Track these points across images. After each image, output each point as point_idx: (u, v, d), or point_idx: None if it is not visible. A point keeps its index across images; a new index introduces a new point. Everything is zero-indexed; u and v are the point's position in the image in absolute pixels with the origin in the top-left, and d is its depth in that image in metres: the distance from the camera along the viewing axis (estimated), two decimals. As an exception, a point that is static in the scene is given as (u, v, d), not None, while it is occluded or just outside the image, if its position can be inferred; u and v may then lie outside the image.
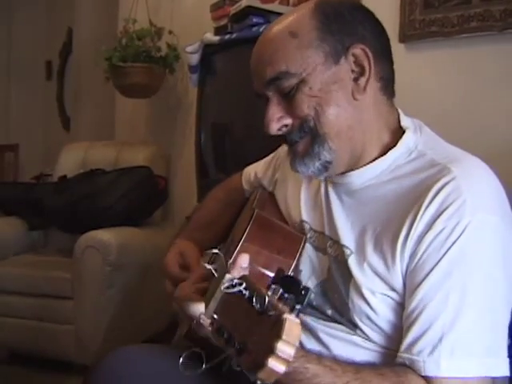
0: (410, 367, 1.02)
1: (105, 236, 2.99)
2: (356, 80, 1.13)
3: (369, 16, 1.19)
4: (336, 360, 1.03)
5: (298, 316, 0.79)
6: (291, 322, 0.71)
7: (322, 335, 1.16)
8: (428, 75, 2.25)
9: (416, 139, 1.17)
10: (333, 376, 0.96)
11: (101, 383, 1.19)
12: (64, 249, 3.43)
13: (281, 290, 0.83)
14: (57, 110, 6.13)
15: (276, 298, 0.80)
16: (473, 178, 1.07)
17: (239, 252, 1.12)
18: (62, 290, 3.04)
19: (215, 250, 0.90)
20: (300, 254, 1.20)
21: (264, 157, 1.57)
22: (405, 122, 1.20)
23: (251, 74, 1.20)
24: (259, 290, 0.78)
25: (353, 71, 1.13)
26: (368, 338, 1.12)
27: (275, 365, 0.70)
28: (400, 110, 1.23)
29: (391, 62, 1.20)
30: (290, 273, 1.15)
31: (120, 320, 3.02)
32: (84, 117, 4.81)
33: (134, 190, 3.34)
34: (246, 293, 0.78)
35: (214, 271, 0.85)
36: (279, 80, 1.12)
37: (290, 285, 0.84)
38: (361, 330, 1.12)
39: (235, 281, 0.80)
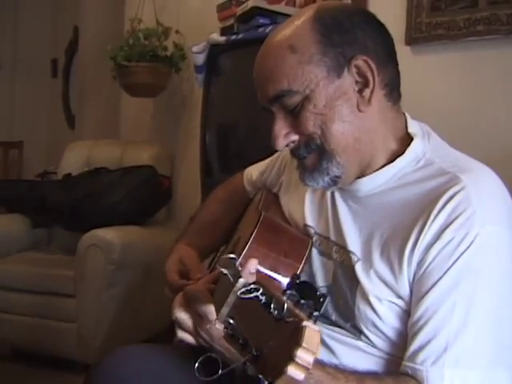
0: (412, 376, 1.02)
1: (108, 235, 2.99)
2: (360, 92, 1.11)
3: (369, 20, 1.16)
4: (339, 368, 1.03)
5: (315, 323, 0.78)
6: (311, 329, 0.70)
7: (326, 339, 1.15)
8: (434, 78, 2.25)
9: (424, 146, 1.15)
10: None
11: (102, 382, 1.19)
12: (67, 247, 3.43)
13: (297, 296, 0.82)
14: (62, 108, 6.13)
15: (293, 303, 0.79)
16: (482, 189, 1.06)
17: (246, 254, 1.12)
18: (64, 287, 3.05)
19: (232, 256, 0.89)
20: (307, 258, 1.19)
21: (268, 157, 1.56)
22: (412, 128, 1.18)
23: (255, 85, 1.18)
24: (277, 296, 0.77)
25: (357, 82, 1.11)
26: (372, 344, 1.11)
27: (294, 372, 0.69)
28: (407, 115, 1.21)
29: (396, 64, 1.18)
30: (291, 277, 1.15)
31: (122, 319, 3.02)
32: (89, 115, 4.81)
33: (138, 189, 3.34)
34: (263, 298, 0.77)
35: (230, 276, 0.84)
36: (282, 97, 1.11)
37: (307, 291, 0.83)
38: (366, 336, 1.11)
39: (251, 286, 0.79)
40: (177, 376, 1.20)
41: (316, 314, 0.82)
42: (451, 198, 1.04)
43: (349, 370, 1.04)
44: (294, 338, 0.70)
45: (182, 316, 1.11)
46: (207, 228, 1.54)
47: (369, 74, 1.10)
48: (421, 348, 1.02)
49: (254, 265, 0.96)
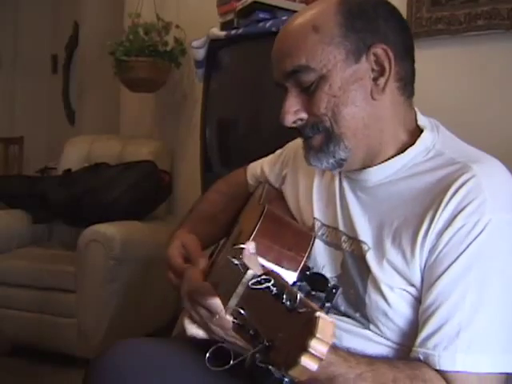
0: (424, 362, 1.02)
1: (108, 230, 2.99)
2: (375, 80, 1.13)
3: (393, 13, 1.17)
4: (350, 351, 1.04)
5: (327, 314, 0.78)
6: (325, 320, 0.70)
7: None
8: (434, 73, 2.25)
9: (434, 138, 1.17)
10: (347, 366, 0.97)
11: (102, 376, 1.19)
12: (68, 242, 3.44)
13: (308, 288, 0.81)
14: (62, 103, 6.13)
15: (304, 295, 0.78)
16: (493, 177, 1.08)
17: None
18: (65, 283, 3.05)
19: (243, 245, 0.88)
20: (310, 251, 1.19)
21: (269, 152, 1.57)
22: (422, 121, 1.20)
23: (272, 63, 1.19)
24: (289, 286, 0.76)
25: (373, 70, 1.13)
26: (381, 334, 1.12)
27: (308, 363, 0.69)
28: (417, 109, 1.22)
29: (413, 61, 1.19)
30: (300, 270, 1.14)
31: (122, 314, 3.03)
32: (89, 111, 4.81)
33: (138, 184, 3.34)
34: (274, 289, 0.76)
35: (241, 267, 0.83)
36: (298, 73, 1.12)
37: (319, 283, 0.83)
38: (375, 325, 1.12)
39: (263, 277, 0.78)
40: (177, 369, 1.20)
41: (328, 305, 0.81)
42: (462, 185, 1.05)
43: (360, 354, 1.05)
44: (308, 328, 0.70)
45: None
46: (207, 218, 1.54)
47: (386, 64, 1.12)
48: (433, 333, 1.02)
49: (251, 245, 0.95)
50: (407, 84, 1.17)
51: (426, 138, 1.16)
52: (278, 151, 1.53)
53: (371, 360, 1.02)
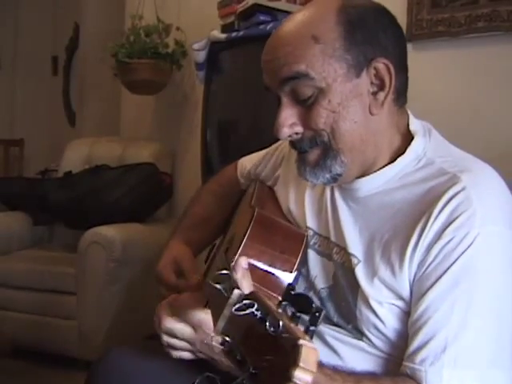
0: (411, 377, 1.01)
1: (109, 232, 2.99)
2: (374, 94, 1.09)
3: (392, 22, 1.14)
4: (337, 369, 1.02)
5: (312, 338, 0.77)
6: (308, 348, 0.68)
7: (329, 339, 1.15)
8: (435, 75, 2.25)
9: (425, 145, 1.14)
10: None
11: (103, 380, 1.19)
12: (68, 244, 3.44)
13: (292, 309, 0.80)
14: (62, 105, 6.13)
15: (288, 317, 0.77)
16: (483, 189, 1.06)
17: (242, 252, 1.11)
18: (65, 285, 3.05)
19: (225, 271, 0.88)
20: (303, 253, 1.18)
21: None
22: (414, 125, 1.17)
23: (262, 68, 1.13)
24: (272, 310, 0.74)
25: (372, 84, 1.09)
26: (373, 345, 1.11)
27: None
28: (410, 112, 1.19)
29: (407, 69, 1.15)
30: (294, 271, 1.14)
31: (123, 316, 3.03)
32: (89, 112, 4.81)
33: (139, 186, 3.35)
34: (258, 313, 0.74)
35: (223, 291, 0.82)
36: (296, 80, 1.07)
37: (302, 304, 0.81)
38: (367, 337, 1.11)
39: (246, 301, 0.76)
40: (176, 373, 1.20)
41: (312, 328, 0.80)
42: (452, 198, 1.03)
43: (347, 371, 1.03)
44: (291, 357, 0.68)
45: (177, 326, 1.08)
46: (201, 222, 1.53)
47: (386, 78, 1.08)
48: (420, 348, 1.01)
49: (244, 261, 0.94)
50: (401, 95, 1.14)
51: (416, 146, 1.13)
52: (272, 148, 1.49)
53: (357, 377, 1.01)
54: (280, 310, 0.77)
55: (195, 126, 3.11)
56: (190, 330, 1.07)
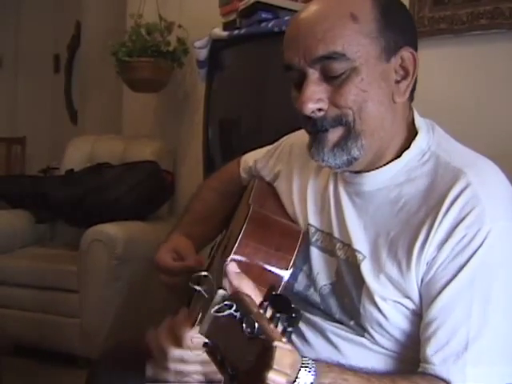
0: (435, 377, 1.01)
1: (111, 230, 3.00)
2: (397, 82, 1.09)
3: (410, 14, 1.16)
4: (369, 373, 1.03)
5: (290, 339, 0.76)
6: (281, 349, 0.68)
7: (330, 335, 1.15)
8: (437, 72, 2.24)
9: (429, 140, 1.14)
10: None
11: (104, 377, 1.19)
12: (70, 242, 3.44)
13: (272, 310, 0.79)
14: (64, 103, 6.12)
15: (268, 317, 0.77)
16: (489, 184, 1.06)
17: (237, 250, 1.11)
18: (67, 283, 3.05)
19: (204, 273, 0.87)
20: (299, 250, 1.17)
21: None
22: (418, 121, 1.17)
23: (287, 45, 1.10)
24: (250, 311, 0.74)
25: (396, 72, 1.09)
26: (375, 342, 1.11)
27: None
28: (414, 109, 1.19)
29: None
30: (290, 268, 1.13)
31: (125, 314, 3.03)
32: (91, 110, 4.81)
33: (141, 184, 3.35)
34: (237, 315, 0.75)
35: (204, 293, 0.82)
36: (331, 59, 1.04)
37: (281, 305, 0.81)
38: (369, 334, 1.11)
39: (226, 303, 0.76)
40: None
41: (290, 329, 0.79)
42: (458, 195, 1.04)
43: (379, 374, 1.04)
44: (265, 359, 0.68)
45: (187, 351, 1.09)
46: (201, 219, 1.52)
47: (411, 68, 1.09)
48: (440, 348, 1.01)
49: (233, 266, 0.95)
50: (414, 89, 1.15)
51: (420, 140, 1.13)
52: (275, 144, 1.48)
53: (392, 377, 1.02)
54: (261, 311, 0.77)
55: (197, 124, 3.11)
56: (200, 352, 1.08)
